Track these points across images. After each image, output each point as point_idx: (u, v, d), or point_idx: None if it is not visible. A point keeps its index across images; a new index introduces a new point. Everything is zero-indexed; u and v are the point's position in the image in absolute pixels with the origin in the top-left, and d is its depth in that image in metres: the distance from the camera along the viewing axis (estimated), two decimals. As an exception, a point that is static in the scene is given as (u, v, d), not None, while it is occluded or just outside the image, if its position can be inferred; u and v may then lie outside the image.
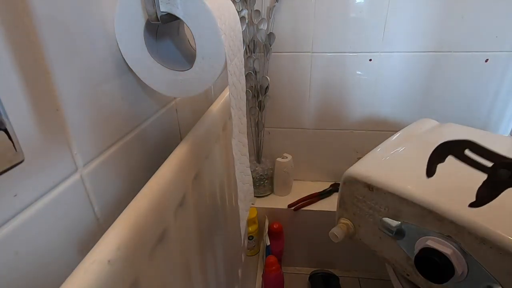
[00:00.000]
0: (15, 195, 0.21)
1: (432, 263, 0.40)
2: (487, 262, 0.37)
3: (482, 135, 0.63)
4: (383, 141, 0.62)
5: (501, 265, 0.36)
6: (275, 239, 1.00)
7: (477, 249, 0.37)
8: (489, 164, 0.32)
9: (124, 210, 0.27)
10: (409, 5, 0.81)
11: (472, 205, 0.33)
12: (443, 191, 0.43)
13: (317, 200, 1.03)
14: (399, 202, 0.44)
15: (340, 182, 0.54)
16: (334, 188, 1.07)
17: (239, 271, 0.84)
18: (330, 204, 1.02)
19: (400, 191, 0.44)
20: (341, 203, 0.54)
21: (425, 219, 0.42)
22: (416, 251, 0.42)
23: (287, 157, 1.01)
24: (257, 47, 0.89)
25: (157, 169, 0.33)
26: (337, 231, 0.53)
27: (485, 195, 0.32)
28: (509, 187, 0.31)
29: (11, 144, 0.17)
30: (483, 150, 0.33)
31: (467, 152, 0.34)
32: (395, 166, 0.51)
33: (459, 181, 0.45)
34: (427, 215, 0.41)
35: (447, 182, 0.45)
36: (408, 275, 0.49)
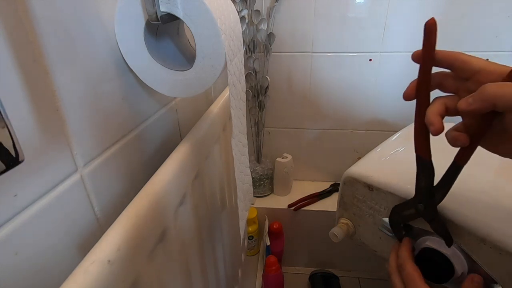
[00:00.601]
0: (15, 195, 0.21)
1: (432, 263, 0.40)
2: (487, 262, 0.37)
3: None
4: (383, 141, 0.62)
5: (501, 266, 0.35)
6: (275, 239, 1.00)
7: (477, 249, 0.37)
8: (411, 210, 0.40)
9: (124, 210, 0.27)
10: (409, 5, 0.81)
11: (448, 245, 0.38)
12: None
13: (317, 200, 1.03)
14: (399, 202, 0.44)
15: (340, 182, 0.54)
16: (334, 188, 1.07)
17: (239, 271, 0.84)
18: (330, 204, 1.02)
19: (400, 191, 0.44)
20: (341, 203, 0.54)
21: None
22: (416, 251, 0.42)
23: (287, 157, 1.01)
24: (257, 47, 0.89)
25: (157, 169, 0.33)
26: (337, 231, 0.52)
27: (442, 230, 0.38)
28: (436, 211, 0.38)
29: (11, 144, 0.17)
30: (404, 205, 0.41)
31: (404, 212, 0.41)
32: (395, 166, 0.51)
33: (461, 181, 0.45)
34: None
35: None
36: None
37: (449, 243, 0.38)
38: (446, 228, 0.38)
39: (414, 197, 0.39)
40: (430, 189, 0.37)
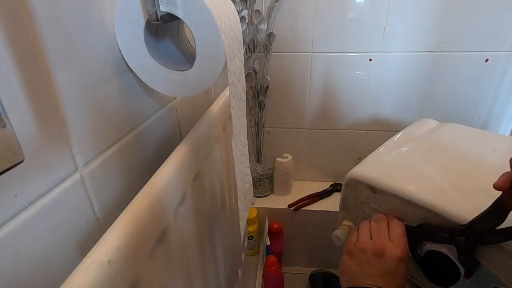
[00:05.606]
0: (15, 195, 0.21)
1: (437, 266, 0.40)
2: (494, 264, 0.36)
3: (482, 135, 0.63)
4: (383, 141, 0.62)
5: (509, 268, 0.35)
6: (275, 239, 1.00)
7: (484, 251, 0.37)
8: (446, 235, 0.39)
9: (124, 210, 0.27)
10: (409, 5, 0.81)
11: (466, 276, 0.38)
12: (448, 192, 0.43)
13: (317, 200, 1.03)
14: (403, 204, 0.44)
15: (343, 184, 0.53)
16: (334, 188, 1.07)
17: (239, 271, 0.84)
18: (330, 204, 1.02)
19: (404, 193, 0.43)
20: (344, 205, 0.54)
21: (430, 222, 0.41)
22: (421, 254, 0.42)
23: (287, 157, 1.01)
24: (257, 47, 0.89)
25: (157, 169, 0.33)
26: (340, 234, 0.52)
27: (469, 263, 0.38)
28: (474, 248, 0.37)
29: (11, 144, 0.16)
30: (438, 227, 0.40)
31: (434, 232, 0.41)
32: (398, 167, 0.51)
33: (464, 182, 0.44)
34: (432, 218, 0.41)
35: (453, 183, 0.44)
36: (412, 277, 0.48)
37: (468, 276, 0.38)
38: (474, 264, 0.37)
39: (462, 227, 0.37)
40: (488, 232, 0.36)
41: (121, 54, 0.32)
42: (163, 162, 0.35)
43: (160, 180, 0.32)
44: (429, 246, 0.41)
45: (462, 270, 0.38)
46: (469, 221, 0.37)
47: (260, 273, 0.97)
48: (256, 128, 0.99)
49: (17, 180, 0.21)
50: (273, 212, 1.02)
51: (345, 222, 0.54)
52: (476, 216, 0.36)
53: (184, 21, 0.29)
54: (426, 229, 0.41)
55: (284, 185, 1.05)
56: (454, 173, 0.47)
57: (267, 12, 0.86)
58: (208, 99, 0.64)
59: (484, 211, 0.35)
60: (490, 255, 0.36)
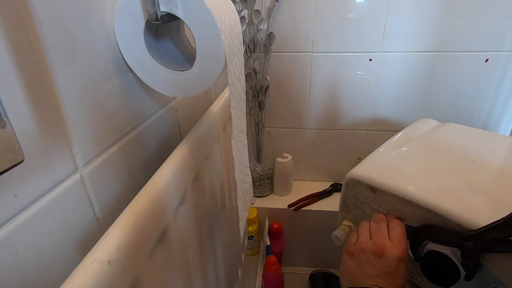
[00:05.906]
0: (15, 195, 0.21)
1: (437, 266, 0.40)
2: (495, 266, 0.36)
3: (482, 135, 0.63)
4: (383, 141, 0.62)
5: (508, 268, 0.35)
6: (275, 239, 1.00)
7: (486, 253, 0.37)
8: (453, 238, 0.38)
9: (124, 210, 0.27)
10: (409, 5, 0.81)
11: (467, 278, 0.38)
12: (448, 192, 0.43)
13: (317, 200, 1.03)
14: (403, 204, 0.44)
15: (343, 184, 0.53)
16: (334, 188, 1.07)
17: (239, 271, 0.84)
18: (330, 204, 1.02)
19: (404, 193, 0.43)
20: (344, 205, 0.54)
21: (430, 222, 0.41)
22: (421, 254, 0.42)
23: (287, 157, 1.01)
24: (257, 47, 0.89)
25: (157, 169, 0.33)
26: (340, 234, 0.52)
27: (471, 267, 0.37)
28: (480, 254, 0.36)
29: (11, 144, 0.16)
30: (444, 230, 0.39)
31: (439, 234, 0.40)
32: (398, 167, 0.51)
33: (464, 182, 0.44)
34: (432, 218, 0.41)
35: (453, 183, 0.44)
36: (412, 277, 0.48)
37: (469, 278, 0.38)
38: (476, 268, 0.37)
39: (472, 233, 0.37)
40: (499, 241, 0.35)
41: (121, 54, 0.32)
42: (163, 162, 0.35)
43: (160, 180, 0.32)
44: (432, 246, 0.40)
45: (463, 273, 0.38)
46: (481, 228, 0.36)
47: (260, 273, 0.97)
48: (256, 128, 0.99)
49: (17, 180, 0.21)
50: (273, 212, 1.02)
51: (345, 222, 0.54)
52: (490, 224, 0.35)
53: (184, 21, 0.29)
54: (432, 230, 0.41)
55: (284, 185, 1.05)
56: (454, 173, 0.47)
57: (267, 12, 0.86)
58: (208, 99, 0.64)
59: (500, 220, 0.34)
60: (492, 257, 0.36)
